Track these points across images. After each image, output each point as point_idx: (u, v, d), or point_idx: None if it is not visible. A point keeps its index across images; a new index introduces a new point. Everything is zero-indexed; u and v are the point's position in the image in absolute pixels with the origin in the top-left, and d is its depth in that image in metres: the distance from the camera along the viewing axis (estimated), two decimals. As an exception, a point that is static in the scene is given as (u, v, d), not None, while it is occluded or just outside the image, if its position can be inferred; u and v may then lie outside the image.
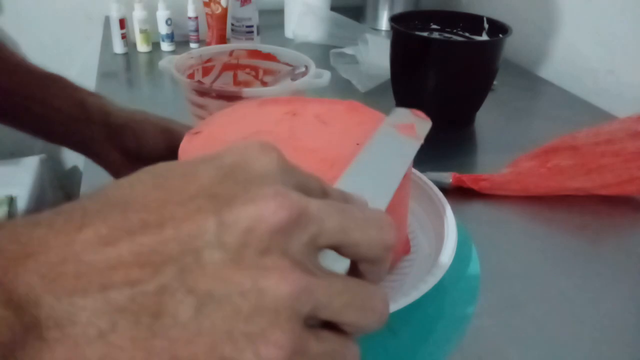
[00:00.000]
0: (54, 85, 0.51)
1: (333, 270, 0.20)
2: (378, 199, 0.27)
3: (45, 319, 0.17)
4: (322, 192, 0.22)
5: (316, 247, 0.20)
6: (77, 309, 0.17)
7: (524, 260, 0.52)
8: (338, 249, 0.20)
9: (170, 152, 0.53)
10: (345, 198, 0.23)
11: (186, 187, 0.19)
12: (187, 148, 0.42)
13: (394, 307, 0.37)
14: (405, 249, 0.46)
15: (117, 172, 0.54)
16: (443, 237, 0.45)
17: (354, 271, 0.22)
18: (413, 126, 0.39)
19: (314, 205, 0.19)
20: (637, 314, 0.46)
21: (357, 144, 0.41)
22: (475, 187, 0.61)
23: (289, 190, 0.19)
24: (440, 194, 0.49)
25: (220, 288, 0.18)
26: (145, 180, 0.20)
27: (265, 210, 0.18)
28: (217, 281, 0.18)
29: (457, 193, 0.60)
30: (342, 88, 0.89)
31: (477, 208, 0.59)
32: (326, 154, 0.40)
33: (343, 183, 0.28)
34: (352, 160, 0.30)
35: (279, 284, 0.18)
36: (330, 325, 0.20)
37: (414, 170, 0.50)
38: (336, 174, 0.30)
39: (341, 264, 0.21)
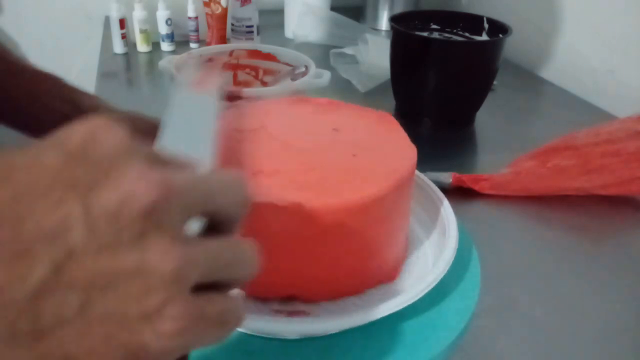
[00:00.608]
0: (46, 84, 0.51)
1: (192, 233, 0.21)
2: (202, 159, 0.28)
3: None
4: (166, 162, 0.21)
5: (186, 219, 0.20)
6: None
7: (524, 260, 0.52)
8: (204, 215, 0.21)
9: None
10: (181, 163, 0.22)
11: (38, 178, 0.18)
12: None
13: (395, 307, 0.37)
14: (391, 274, 0.45)
15: None
16: (444, 237, 0.45)
17: (210, 227, 0.22)
18: (206, 82, 0.40)
19: (178, 179, 0.19)
20: (638, 314, 0.46)
21: (334, 129, 0.41)
22: (475, 187, 0.61)
23: (149, 167, 0.19)
24: (441, 195, 0.49)
25: (102, 277, 0.17)
26: None
27: (133, 191, 0.18)
28: (98, 270, 0.17)
29: (457, 193, 0.60)
30: (342, 88, 0.89)
31: (477, 208, 0.59)
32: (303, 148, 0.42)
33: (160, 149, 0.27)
34: (161, 129, 0.30)
35: (162, 261, 0.18)
36: (212, 286, 0.21)
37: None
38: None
39: (195, 225, 0.22)
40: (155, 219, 0.18)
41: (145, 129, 0.53)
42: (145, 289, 0.18)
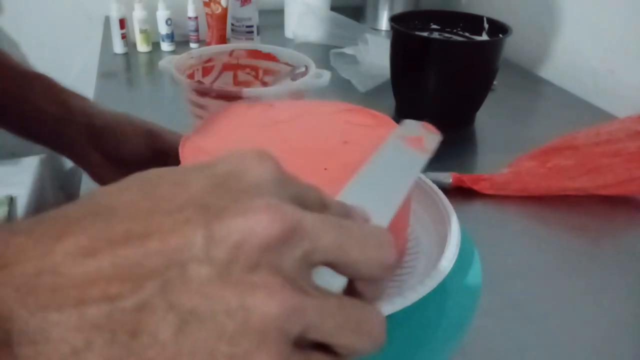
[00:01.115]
0: (37, 84, 0.51)
1: (328, 289, 0.20)
2: (381, 214, 0.26)
3: (18, 334, 0.16)
4: (322, 204, 0.21)
5: (310, 264, 0.19)
6: (50, 324, 0.16)
7: (524, 260, 0.52)
8: (334, 267, 0.20)
9: (151, 155, 0.53)
10: (346, 212, 0.22)
11: (175, 197, 0.18)
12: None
13: (395, 307, 0.37)
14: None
15: (97, 174, 0.54)
16: (445, 238, 0.45)
17: (351, 290, 0.21)
18: (421, 139, 0.39)
19: (309, 219, 0.18)
20: (637, 314, 0.46)
21: (325, 169, 0.40)
22: (475, 187, 0.61)
23: (282, 202, 0.18)
24: (443, 197, 0.49)
25: (204, 305, 0.17)
26: (134, 187, 0.19)
27: (256, 223, 0.17)
28: (202, 298, 0.17)
29: (457, 193, 0.60)
30: (342, 88, 0.89)
31: (477, 208, 0.59)
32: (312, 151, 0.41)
33: (346, 195, 0.27)
34: (357, 172, 0.30)
35: (267, 303, 0.17)
36: (322, 347, 0.19)
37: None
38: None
39: (337, 282, 0.20)
40: (272, 255, 0.17)
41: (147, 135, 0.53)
42: (241, 329, 0.17)
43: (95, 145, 0.52)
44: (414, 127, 0.41)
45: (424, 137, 0.39)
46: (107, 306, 0.16)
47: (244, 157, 0.20)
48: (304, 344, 0.18)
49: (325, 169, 0.40)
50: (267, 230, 0.17)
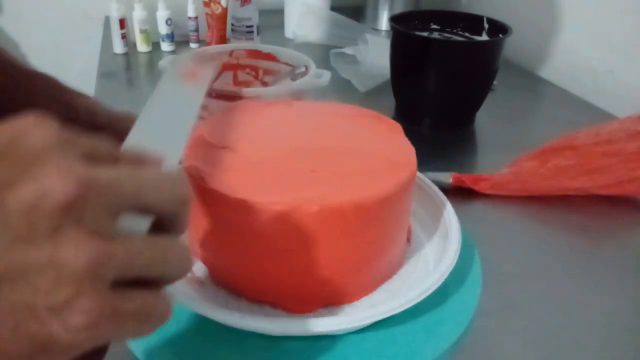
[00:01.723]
0: (40, 84, 0.50)
1: (135, 231, 0.21)
2: (172, 152, 0.27)
3: None
4: (113, 156, 0.22)
5: (113, 214, 0.20)
6: None
7: (524, 260, 0.52)
8: (138, 211, 0.21)
9: None
10: (138, 158, 0.23)
11: None
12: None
13: (395, 308, 0.37)
14: (389, 276, 0.44)
15: None
16: (445, 239, 0.45)
17: (157, 227, 0.23)
18: (197, 72, 0.39)
19: (103, 174, 0.20)
20: (638, 313, 0.46)
21: (313, 171, 0.40)
22: (475, 187, 0.61)
23: (72, 162, 0.19)
24: (442, 197, 0.49)
25: (13, 269, 0.18)
26: None
27: (50, 187, 0.18)
28: (8, 263, 0.18)
29: (457, 193, 0.60)
30: (342, 88, 0.89)
31: (477, 208, 0.59)
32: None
33: (133, 140, 0.28)
34: (139, 116, 0.30)
35: (75, 255, 0.18)
36: (144, 283, 0.21)
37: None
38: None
39: (142, 224, 0.22)
40: (73, 214, 0.19)
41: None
42: (56, 282, 0.18)
43: None
44: (187, 62, 0.41)
45: (199, 70, 0.39)
46: None
47: (22, 125, 0.20)
48: (124, 283, 0.20)
49: (314, 171, 0.40)
50: (63, 192, 0.18)
